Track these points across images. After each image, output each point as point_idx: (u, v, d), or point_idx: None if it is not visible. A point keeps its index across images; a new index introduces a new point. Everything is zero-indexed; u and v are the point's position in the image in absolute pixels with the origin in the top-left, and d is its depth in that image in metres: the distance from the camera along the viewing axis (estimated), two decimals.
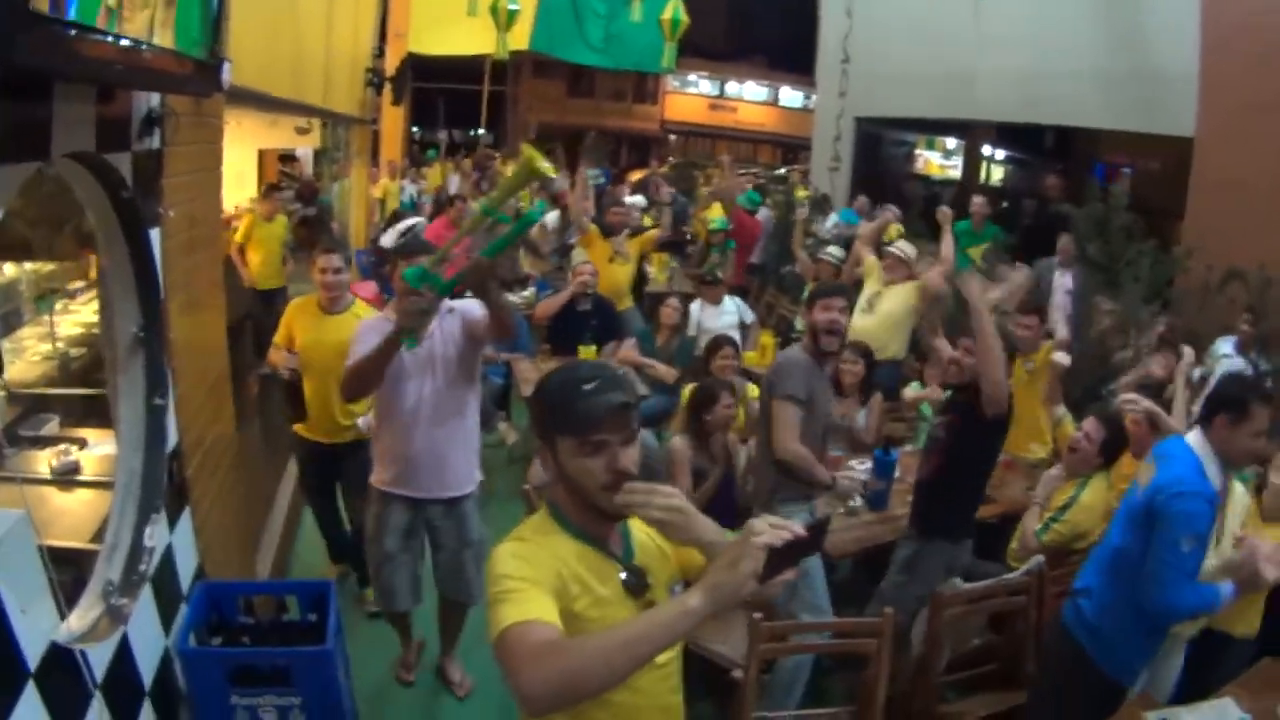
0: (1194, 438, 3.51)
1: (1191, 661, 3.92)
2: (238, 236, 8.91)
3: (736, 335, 7.11)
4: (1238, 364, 6.61)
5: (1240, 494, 3.84)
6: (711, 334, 7.03)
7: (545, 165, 3.08)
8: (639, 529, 2.25)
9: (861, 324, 6.92)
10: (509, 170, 15.49)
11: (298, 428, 5.12)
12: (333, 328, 4.77)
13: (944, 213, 7.25)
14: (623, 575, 2.14)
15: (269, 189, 9.72)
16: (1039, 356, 5.82)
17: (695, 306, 7.76)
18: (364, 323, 4.21)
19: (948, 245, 6.99)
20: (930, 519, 4.53)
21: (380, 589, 4.43)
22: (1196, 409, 6.17)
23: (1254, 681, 3.63)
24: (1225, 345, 6.82)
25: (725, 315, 7.69)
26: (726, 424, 5.13)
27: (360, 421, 4.89)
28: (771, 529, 1.73)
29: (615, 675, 1.67)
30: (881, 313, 6.95)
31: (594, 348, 7.06)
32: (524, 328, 7.64)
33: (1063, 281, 8.19)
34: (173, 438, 3.46)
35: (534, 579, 1.94)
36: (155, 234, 3.27)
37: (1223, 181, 8.17)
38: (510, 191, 3.49)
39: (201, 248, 3.96)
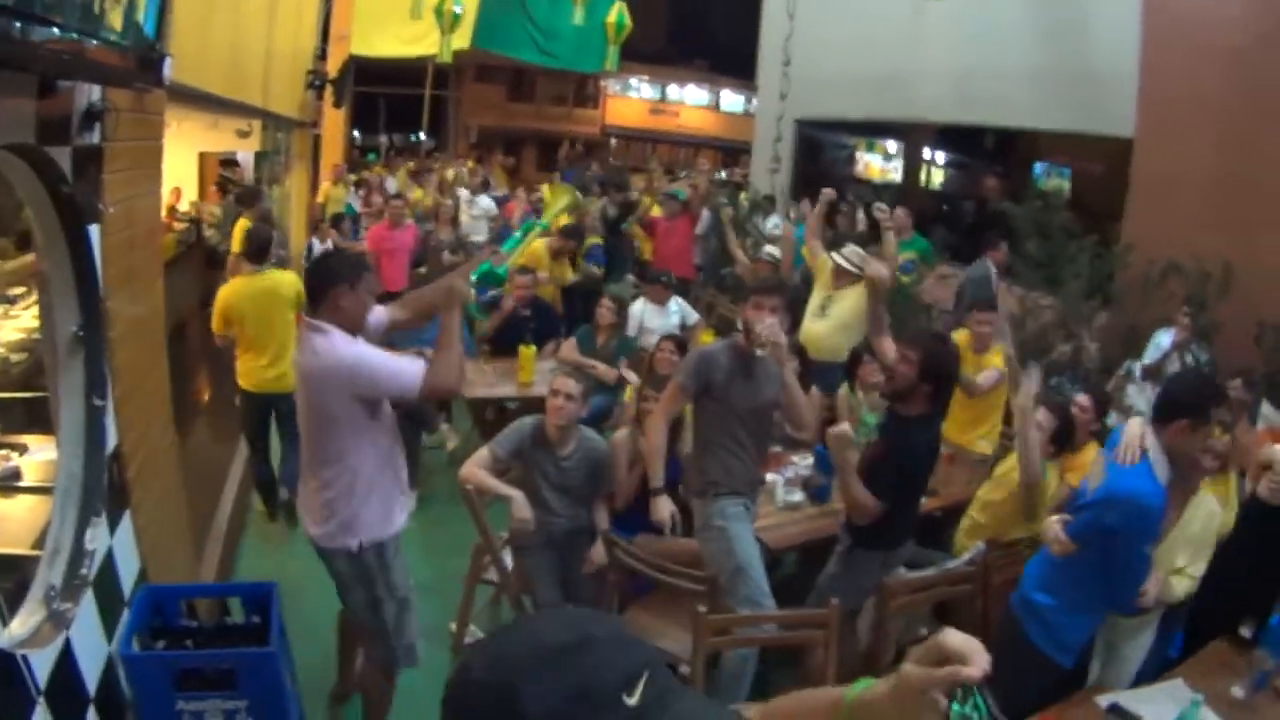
0: (1149, 438, 3.58)
1: None
2: (236, 246, 8.19)
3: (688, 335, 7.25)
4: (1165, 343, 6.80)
5: (1207, 506, 3.90)
6: (655, 334, 7.08)
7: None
8: None
9: (814, 328, 6.93)
10: (449, 174, 15.51)
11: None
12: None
13: (883, 212, 7.23)
14: None
15: (249, 192, 9.57)
16: (992, 359, 5.88)
17: (638, 306, 7.82)
18: (359, 347, 3.61)
19: (891, 244, 7.00)
20: (863, 533, 4.47)
21: (406, 644, 3.98)
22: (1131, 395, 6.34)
23: (1206, 662, 3.71)
24: (1165, 337, 6.94)
25: (670, 316, 7.76)
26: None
27: None
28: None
29: None
30: (834, 317, 6.93)
31: (534, 348, 7.10)
32: (465, 328, 7.63)
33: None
34: (112, 439, 3.40)
35: None
36: (95, 231, 3.22)
37: (1161, 178, 8.30)
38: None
39: (141, 246, 3.89)
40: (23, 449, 4.11)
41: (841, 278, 7.00)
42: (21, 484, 3.86)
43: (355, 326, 3.65)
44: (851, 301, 6.86)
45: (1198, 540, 3.81)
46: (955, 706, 1.30)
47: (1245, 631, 3.80)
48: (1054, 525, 3.69)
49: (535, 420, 4.91)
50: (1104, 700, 3.46)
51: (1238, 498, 4.31)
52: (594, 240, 9.93)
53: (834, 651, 3.79)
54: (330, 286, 3.58)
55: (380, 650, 3.98)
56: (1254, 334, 6.97)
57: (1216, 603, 3.91)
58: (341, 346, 3.53)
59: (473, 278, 3.97)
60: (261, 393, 6.12)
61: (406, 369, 3.56)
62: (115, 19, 2.60)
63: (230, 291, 6.15)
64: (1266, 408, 5.89)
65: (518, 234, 4.92)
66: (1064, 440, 4.74)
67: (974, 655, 1.23)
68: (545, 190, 11.54)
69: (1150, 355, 6.95)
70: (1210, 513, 3.83)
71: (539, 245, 8.79)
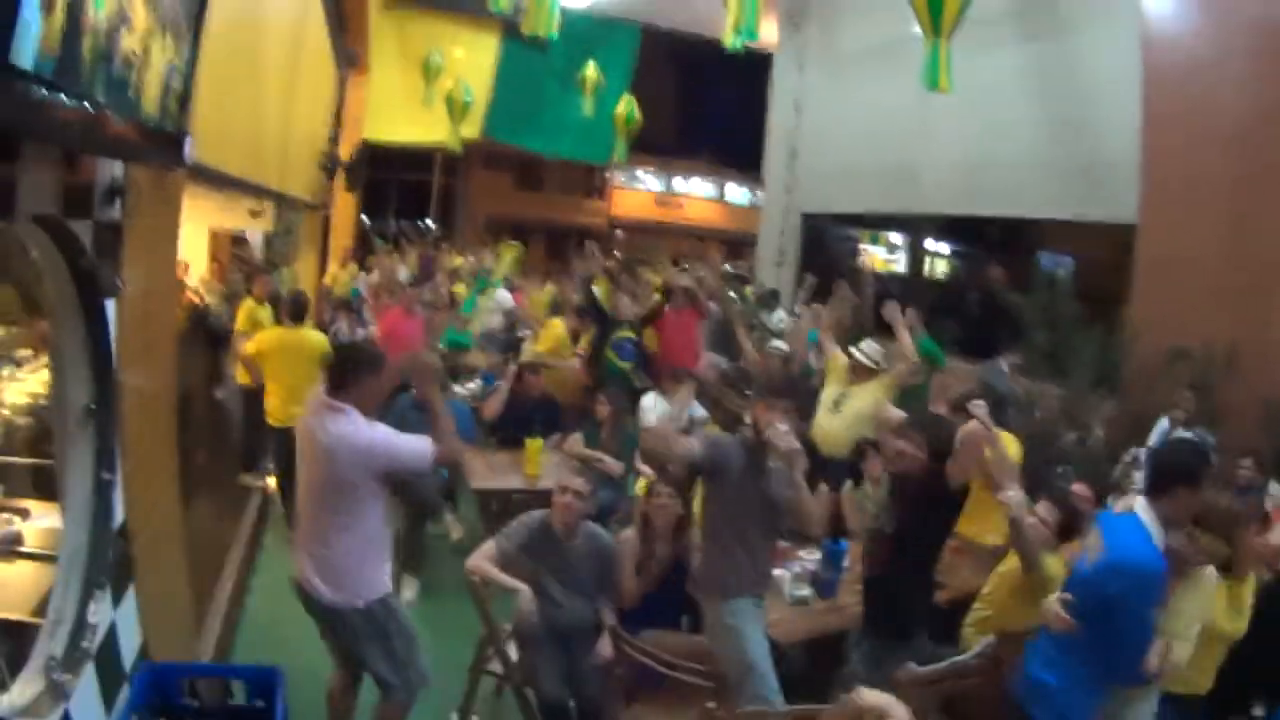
0: (1141, 506, 3.59)
1: None
2: (240, 323, 8.59)
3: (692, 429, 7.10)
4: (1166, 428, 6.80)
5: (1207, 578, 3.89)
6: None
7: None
8: None
9: (828, 424, 6.82)
10: (457, 260, 15.62)
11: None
12: None
13: (893, 310, 7.13)
14: None
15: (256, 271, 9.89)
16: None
17: (651, 400, 7.70)
18: (378, 428, 4.03)
19: (907, 340, 6.96)
20: (880, 618, 4.49)
21: (418, 671, 4.27)
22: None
23: None
24: (1166, 424, 6.94)
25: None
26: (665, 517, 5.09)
27: None
28: None
29: None
30: (849, 413, 6.78)
31: (540, 440, 7.06)
32: (469, 418, 7.60)
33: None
34: (119, 514, 3.40)
35: None
36: (110, 305, 3.24)
37: (1166, 262, 8.33)
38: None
39: (154, 322, 3.93)
40: (25, 514, 4.11)
41: (858, 373, 6.93)
42: (23, 549, 3.85)
43: (374, 407, 4.10)
44: (868, 397, 6.73)
45: (1197, 610, 3.80)
46: None
47: (1258, 710, 3.77)
48: (1053, 603, 3.68)
49: (542, 515, 4.90)
50: None
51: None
52: (626, 335, 9.44)
53: None
54: (361, 373, 4.01)
55: (396, 685, 4.16)
56: (1261, 413, 6.96)
57: (1233, 683, 3.87)
58: (364, 427, 3.93)
59: (442, 345, 4.24)
60: (285, 426, 6.67)
61: (419, 445, 4.01)
62: (150, 101, 2.66)
63: (267, 337, 7.37)
64: (1276, 488, 5.90)
65: (474, 294, 5.17)
66: (1067, 532, 4.73)
67: (892, 710, 1.36)
68: (502, 249, 11.89)
69: (1153, 441, 6.93)
70: (1210, 584, 3.82)
71: (558, 327, 8.79)
